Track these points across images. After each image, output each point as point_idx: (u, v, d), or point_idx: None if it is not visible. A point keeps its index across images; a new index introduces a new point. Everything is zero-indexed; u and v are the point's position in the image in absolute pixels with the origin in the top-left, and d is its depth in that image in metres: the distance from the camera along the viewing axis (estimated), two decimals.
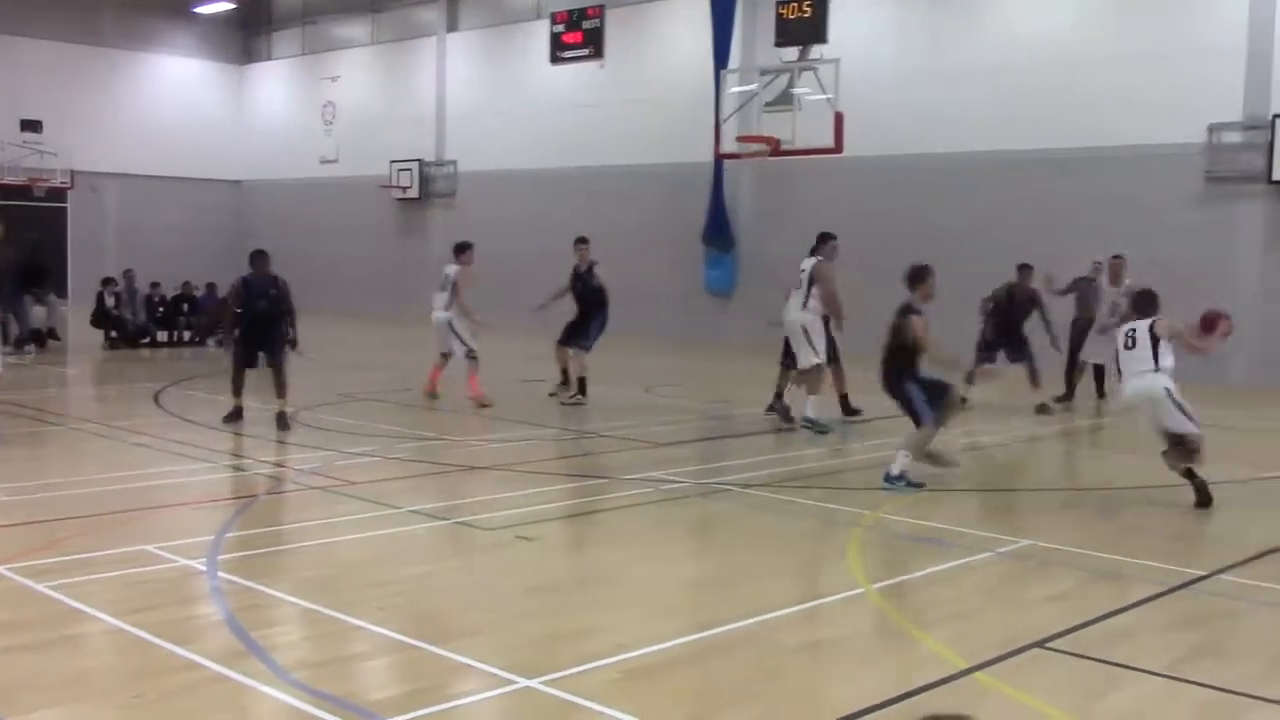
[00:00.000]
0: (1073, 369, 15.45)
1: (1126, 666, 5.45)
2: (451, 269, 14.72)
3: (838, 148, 18.91)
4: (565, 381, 15.06)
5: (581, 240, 15.24)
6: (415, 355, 17.33)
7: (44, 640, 5.53)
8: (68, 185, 31.03)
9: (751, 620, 6.00)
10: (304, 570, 6.99)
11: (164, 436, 11.54)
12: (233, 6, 33.85)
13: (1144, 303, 9.43)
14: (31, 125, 30.64)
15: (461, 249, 14.93)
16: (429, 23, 30.71)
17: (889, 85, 21.35)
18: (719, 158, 22.60)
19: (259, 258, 12.70)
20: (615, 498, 9.19)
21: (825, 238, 13.18)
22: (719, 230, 23.87)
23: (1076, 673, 5.40)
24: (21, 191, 30.12)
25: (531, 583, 6.78)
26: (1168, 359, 9.02)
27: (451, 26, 30.26)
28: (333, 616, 5.92)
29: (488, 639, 5.72)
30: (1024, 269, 14.92)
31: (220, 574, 6.62)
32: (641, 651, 5.48)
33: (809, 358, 12.50)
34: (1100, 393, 15.31)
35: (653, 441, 11.80)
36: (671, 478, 9.86)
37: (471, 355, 14.22)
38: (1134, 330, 9.21)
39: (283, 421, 12.00)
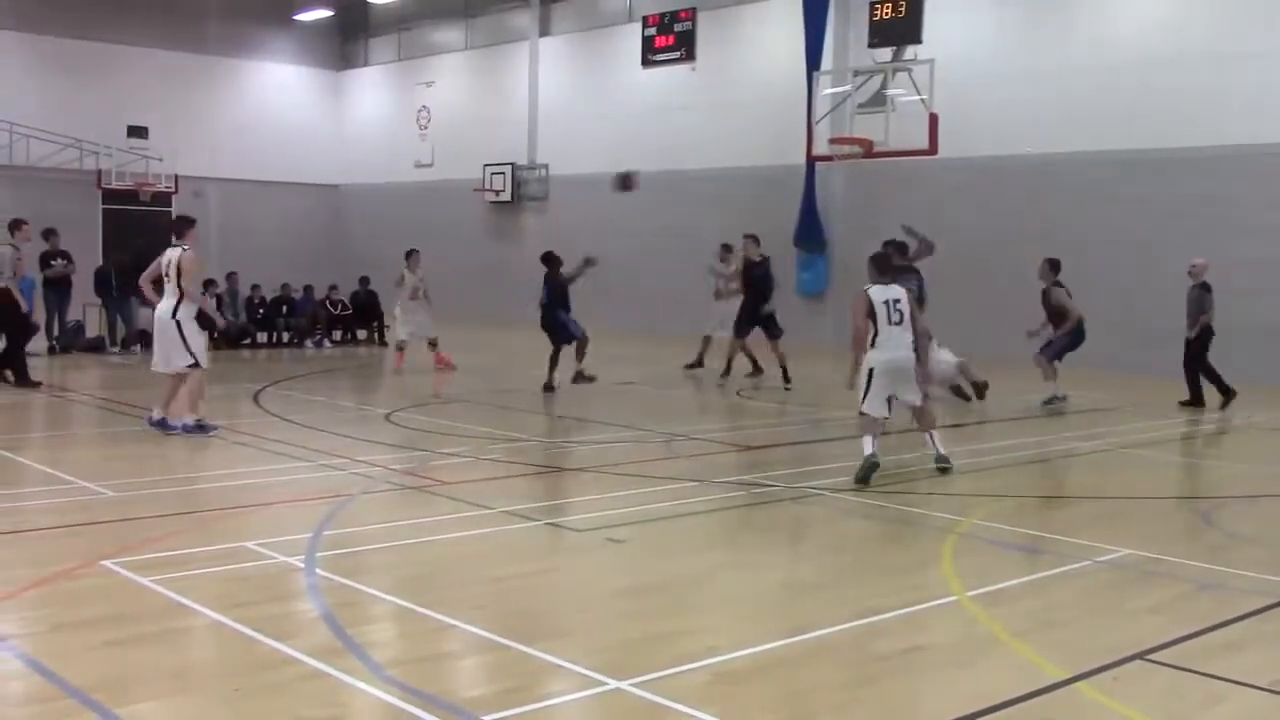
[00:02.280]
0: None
1: (1231, 681, 5.30)
2: None
3: (932, 149, 18.73)
4: (756, 371, 16.92)
5: (751, 237, 17.31)
6: (507, 357, 17.49)
7: (148, 634, 5.67)
8: (172, 190, 31.83)
9: (844, 626, 5.95)
10: (399, 568, 7.08)
11: (263, 435, 11.78)
12: (331, 14, 34.47)
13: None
14: (138, 131, 31.51)
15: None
16: (522, 27, 30.96)
17: (984, 86, 21.04)
18: (811, 160, 22.47)
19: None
20: (706, 500, 9.17)
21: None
22: (811, 232, 23.73)
23: (1179, 686, 5.26)
24: (128, 196, 31.01)
25: (622, 584, 6.79)
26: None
27: (544, 31, 30.47)
28: (427, 615, 5.99)
29: (579, 640, 5.74)
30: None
31: (318, 571, 6.74)
32: (732, 655, 5.46)
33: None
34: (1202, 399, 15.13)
35: (743, 445, 11.76)
36: (763, 481, 9.81)
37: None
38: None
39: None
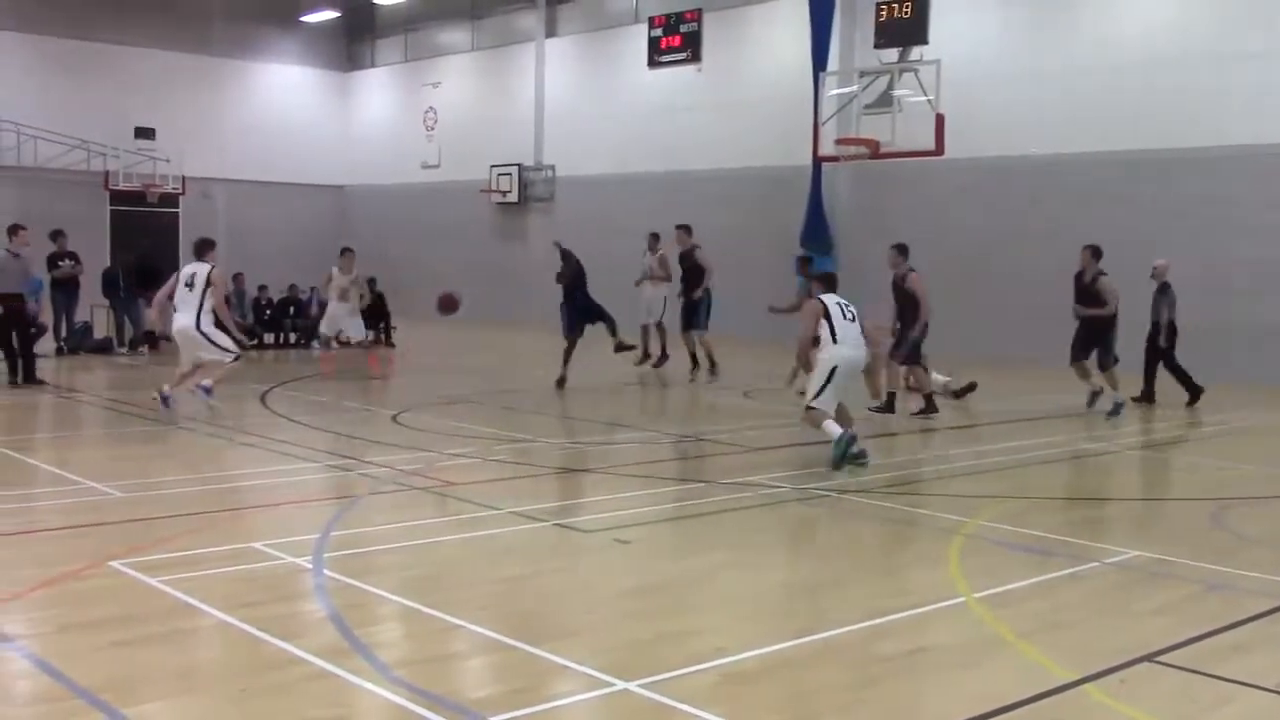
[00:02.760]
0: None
1: (1240, 682, 5.29)
2: None
3: (939, 150, 18.74)
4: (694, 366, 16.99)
5: (682, 227, 17.59)
6: (514, 358, 17.50)
7: (156, 634, 5.68)
8: (179, 191, 31.90)
9: (850, 627, 5.95)
10: (406, 569, 7.09)
11: (270, 436, 11.80)
12: (337, 15, 34.52)
13: None
14: (145, 133, 31.59)
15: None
16: (528, 29, 30.99)
17: (990, 86, 21.03)
18: (818, 160, 22.47)
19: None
20: (713, 501, 9.17)
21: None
22: (817, 233, 23.70)
23: (1187, 688, 5.25)
24: (136, 197, 31.08)
25: (629, 585, 6.79)
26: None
27: (550, 32, 30.49)
28: (434, 615, 6.00)
29: (586, 640, 5.75)
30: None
31: (325, 571, 6.75)
32: (740, 656, 5.46)
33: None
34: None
35: (750, 446, 11.76)
36: (770, 482, 9.81)
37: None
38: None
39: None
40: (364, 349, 18.58)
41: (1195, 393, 15.21)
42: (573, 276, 16.34)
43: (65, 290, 19.91)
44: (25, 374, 15.42)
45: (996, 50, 21.52)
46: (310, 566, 6.85)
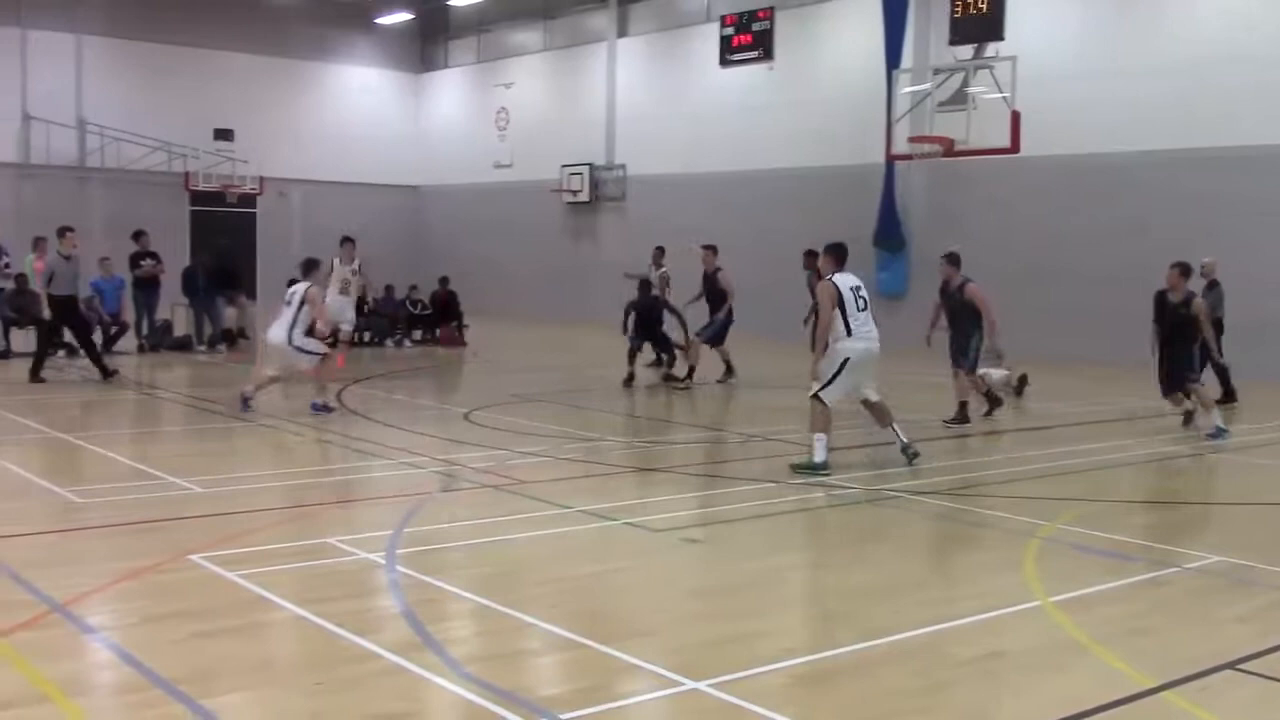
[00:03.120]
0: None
1: None
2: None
3: (1014, 147, 18.49)
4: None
5: (709, 247, 17.03)
6: (584, 356, 17.55)
7: (233, 627, 5.79)
8: (257, 191, 32.43)
9: (923, 630, 5.89)
10: (477, 566, 7.14)
11: (345, 433, 11.95)
12: (412, 17, 34.86)
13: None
14: (224, 134, 32.18)
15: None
16: (600, 28, 31.07)
17: (1067, 83, 20.66)
18: (890, 159, 22.27)
19: None
20: (784, 502, 9.13)
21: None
22: (890, 232, 23.53)
23: (1269, 697, 5.14)
24: (215, 197, 31.66)
25: (699, 585, 6.79)
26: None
27: (622, 32, 30.54)
28: (505, 613, 6.04)
29: (655, 639, 5.75)
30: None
31: (398, 568, 6.82)
32: (810, 658, 5.43)
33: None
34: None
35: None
36: (841, 483, 9.75)
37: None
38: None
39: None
40: (346, 346, 17.84)
41: (1230, 395, 14.94)
42: (642, 310, 16.55)
43: (146, 289, 20.32)
44: (99, 369, 15.79)
45: (1073, 46, 21.17)
46: (384, 563, 6.93)
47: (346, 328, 18.02)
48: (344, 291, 17.83)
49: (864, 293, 10.25)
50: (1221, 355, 14.16)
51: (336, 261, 17.83)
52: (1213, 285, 15.10)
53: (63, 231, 16.06)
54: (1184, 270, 13.20)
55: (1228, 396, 15.00)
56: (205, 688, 4.90)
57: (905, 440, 10.54)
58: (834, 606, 6.49)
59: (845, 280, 10.20)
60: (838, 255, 10.45)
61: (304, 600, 6.13)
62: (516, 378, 17.41)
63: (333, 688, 5.00)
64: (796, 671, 5.28)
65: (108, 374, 15.74)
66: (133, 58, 31.20)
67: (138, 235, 20.68)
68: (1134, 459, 11.57)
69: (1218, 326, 14.59)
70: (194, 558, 6.89)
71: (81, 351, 16.69)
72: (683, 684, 5.05)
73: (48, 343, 16.23)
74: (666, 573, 7.17)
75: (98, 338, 19.40)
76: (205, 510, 8.30)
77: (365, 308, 21.21)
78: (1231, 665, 5.43)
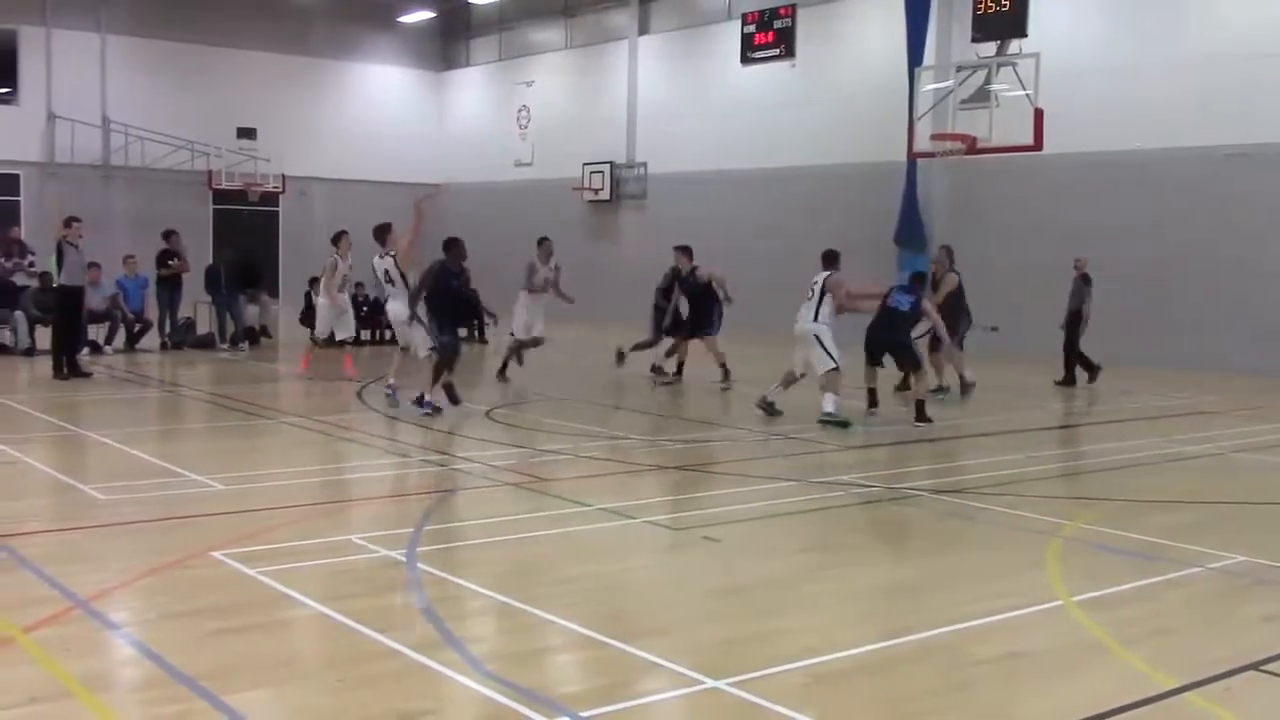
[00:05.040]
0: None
1: None
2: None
3: (1037, 145, 18.43)
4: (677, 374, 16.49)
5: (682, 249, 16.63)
6: (605, 355, 17.56)
7: (255, 623, 5.81)
8: (279, 190, 32.55)
9: (944, 629, 5.87)
10: (498, 564, 7.15)
11: (366, 431, 11.99)
12: (433, 15, 34.92)
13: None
14: (247, 133, 32.30)
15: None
16: (621, 26, 31.06)
17: (1090, 79, 20.54)
18: (912, 157, 22.20)
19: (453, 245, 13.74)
20: (804, 500, 9.12)
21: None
22: (912, 230, 23.42)
23: None
24: (237, 196, 31.80)
25: (719, 583, 6.78)
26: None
27: (643, 29, 30.53)
28: (525, 610, 6.04)
29: (675, 638, 5.75)
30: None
31: (419, 565, 6.84)
32: (830, 657, 5.42)
33: (827, 363, 12.77)
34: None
35: (842, 444, 11.67)
36: (861, 481, 9.72)
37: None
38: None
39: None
40: (332, 345, 16.98)
41: (1093, 372, 16.58)
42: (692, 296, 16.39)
43: (169, 287, 20.41)
44: (70, 366, 15.61)
45: (1097, 42, 21.04)
46: (404, 560, 6.95)
47: (349, 332, 17.25)
48: (344, 288, 17.31)
49: (815, 285, 12.83)
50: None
51: (337, 256, 16.78)
52: (1086, 280, 16.71)
53: (69, 221, 16.06)
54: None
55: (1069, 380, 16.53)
56: (227, 684, 4.92)
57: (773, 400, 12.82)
58: (854, 605, 6.47)
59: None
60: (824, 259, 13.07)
61: (325, 597, 6.15)
62: (538, 376, 17.42)
63: (353, 685, 5.01)
64: (816, 670, 5.26)
65: (79, 373, 15.59)
66: (157, 57, 31.35)
67: (168, 235, 20.76)
68: (1158, 458, 11.50)
69: (1078, 317, 16.53)
70: (216, 554, 6.93)
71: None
72: (703, 682, 5.05)
73: (62, 336, 16.14)
74: (686, 571, 7.17)
75: (121, 337, 19.60)
76: (227, 507, 8.34)
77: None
78: (1255, 666, 5.39)
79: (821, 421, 12.51)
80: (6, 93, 30.69)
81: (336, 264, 16.50)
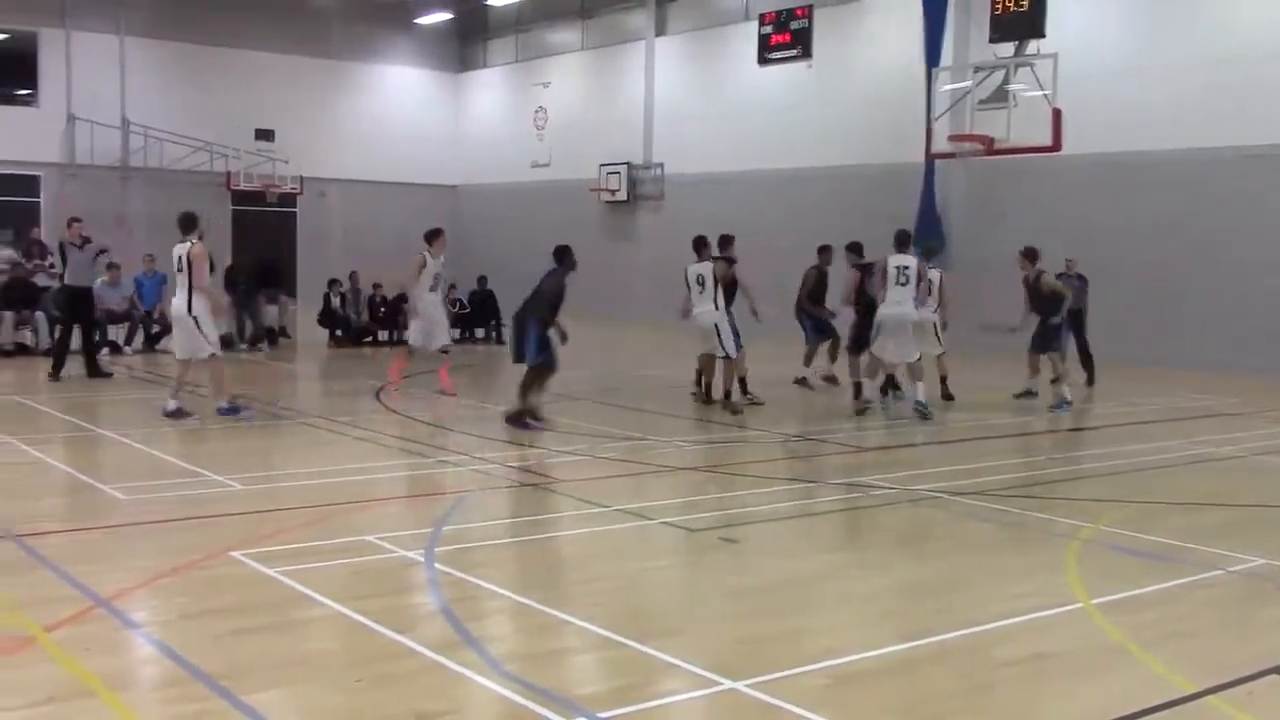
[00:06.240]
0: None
1: None
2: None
3: (1056, 145, 18.36)
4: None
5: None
6: (623, 356, 17.54)
7: (273, 623, 5.82)
8: (297, 191, 32.62)
9: (964, 631, 5.85)
10: (515, 564, 7.16)
11: (384, 432, 12.01)
12: (450, 17, 34.97)
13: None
14: (265, 134, 32.40)
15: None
16: (638, 27, 31.05)
17: (1109, 79, 20.43)
18: (930, 157, 22.14)
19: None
20: (822, 501, 9.10)
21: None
22: (930, 231, 23.31)
23: None
24: (256, 197, 31.90)
25: (737, 584, 6.77)
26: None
27: (660, 30, 30.52)
28: (543, 611, 6.04)
29: (693, 639, 5.74)
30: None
31: (437, 565, 6.84)
32: (849, 658, 5.40)
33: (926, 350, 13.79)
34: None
35: (860, 446, 11.64)
36: (880, 483, 9.70)
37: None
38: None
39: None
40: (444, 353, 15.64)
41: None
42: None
43: None
44: (88, 367, 15.82)
45: (1115, 42, 20.93)
46: (422, 560, 6.96)
47: (444, 340, 15.59)
48: (434, 289, 15.36)
49: (909, 270, 13.18)
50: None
51: (428, 255, 14.83)
52: (1082, 279, 16.64)
53: (70, 222, 16.24)
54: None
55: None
56: (245, 683, 4.93)
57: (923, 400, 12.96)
58: (874, 606, 6.45)
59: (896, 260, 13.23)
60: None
61: (343, 597, 6.16)
62: (555, 377, 17.41)
63: (371, 684, 5.02)
64: (836, 672, 5.25)
65: (99, 374, 15.79)
66: (176, 59, 31.48)
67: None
68: (1179, 460, 11.43)
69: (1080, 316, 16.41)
70: (235, 554, 6.95)
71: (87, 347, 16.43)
72: (721, 683, 5.03)
73: (67, 338, 16.18)
74: (704, 572, 7.15)
75: (140, 338, 19.68)
76: (246, 507, 8.36)
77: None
78: (1277, 670, 5.36)
79: (916, 410, 13.14)
80: (27, 94, 30.85)
81: (425, 261, 14.74)
